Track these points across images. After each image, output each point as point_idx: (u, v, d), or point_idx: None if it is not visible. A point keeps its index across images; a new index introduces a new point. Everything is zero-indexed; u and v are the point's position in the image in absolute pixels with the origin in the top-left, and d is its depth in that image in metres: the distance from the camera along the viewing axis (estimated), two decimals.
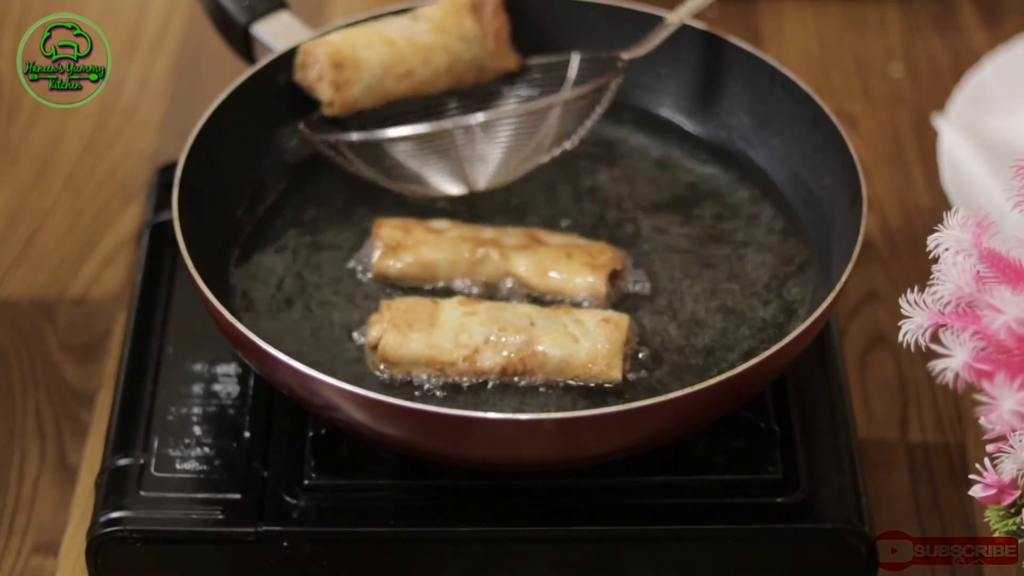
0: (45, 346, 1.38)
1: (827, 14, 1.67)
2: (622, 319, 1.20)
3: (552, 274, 1.24)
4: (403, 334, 1.18)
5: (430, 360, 1.18)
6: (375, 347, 1.19)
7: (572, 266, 1.25)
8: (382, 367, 1.19)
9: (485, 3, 1.33)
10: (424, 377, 1.19)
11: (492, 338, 1.18)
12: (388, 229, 1.26)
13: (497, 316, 1.19)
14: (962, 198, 1.41)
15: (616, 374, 1.18)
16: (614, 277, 1.25)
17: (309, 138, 1.29)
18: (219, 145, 1.27)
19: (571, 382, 1.19)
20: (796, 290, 1.26)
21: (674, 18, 1.31)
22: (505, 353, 1.18)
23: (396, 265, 1.25)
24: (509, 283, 1.25)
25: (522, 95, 1.34)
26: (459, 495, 1.17)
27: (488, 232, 1.27)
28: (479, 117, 1.24)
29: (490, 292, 1.25)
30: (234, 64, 1.36)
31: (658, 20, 1.31)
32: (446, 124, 1.24)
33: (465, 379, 1.18)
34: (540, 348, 1.18)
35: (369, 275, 1.25)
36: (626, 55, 1.30)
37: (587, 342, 1.18)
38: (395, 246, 1.25)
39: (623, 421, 1.09)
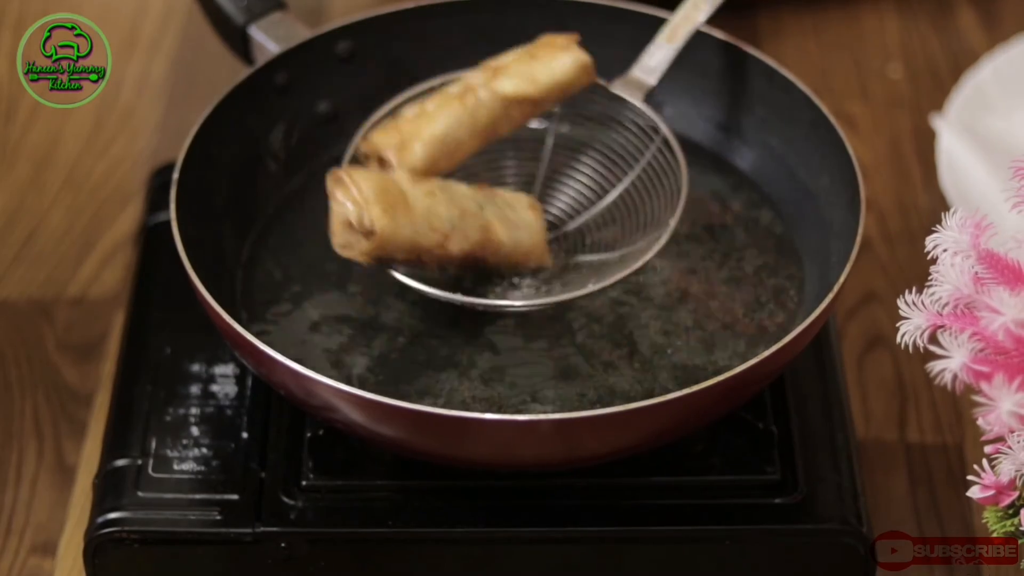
0: (43, 346, 1.38)
1: (825, 15, 1.67)
2: (535, 200, 1.23)
3: (539, 74, 1.24)
4: (392, 218, 1.16)
5: (413, 246, 1.17)
6: (369, 233, 1.16)
7: (546, 59, 1.24)
8: (365, 258, 1.17)
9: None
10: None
11: (457, 224, 1.18)
12: (378, 133, 1.22)
13: (452, 198, 1.19)
14: (960, 199, 1.41)
15: (548, 261, 1.22)
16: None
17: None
18: (217, 146, 1.27)
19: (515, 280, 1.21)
20: (794, 291, 1.26)
21: (674, 39, 1.28)
22: (469, 238, 1.18)
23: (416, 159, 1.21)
24: (514, 109, 1.24)
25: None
26: (457, 496, 1.17)
27: (454, 87, 1.24)
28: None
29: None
30: (232, 65, 1.36)
31: (658, 22, 1.31)
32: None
33: (435, 270, 1.19)
34: (495, 237, 1.19)
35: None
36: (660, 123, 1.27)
37: (525, 232, 1.20)
38: (400, 146, 1.21)
39: (622, 422, 1.09)
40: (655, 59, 1.28)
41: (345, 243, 1.18)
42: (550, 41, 1.26)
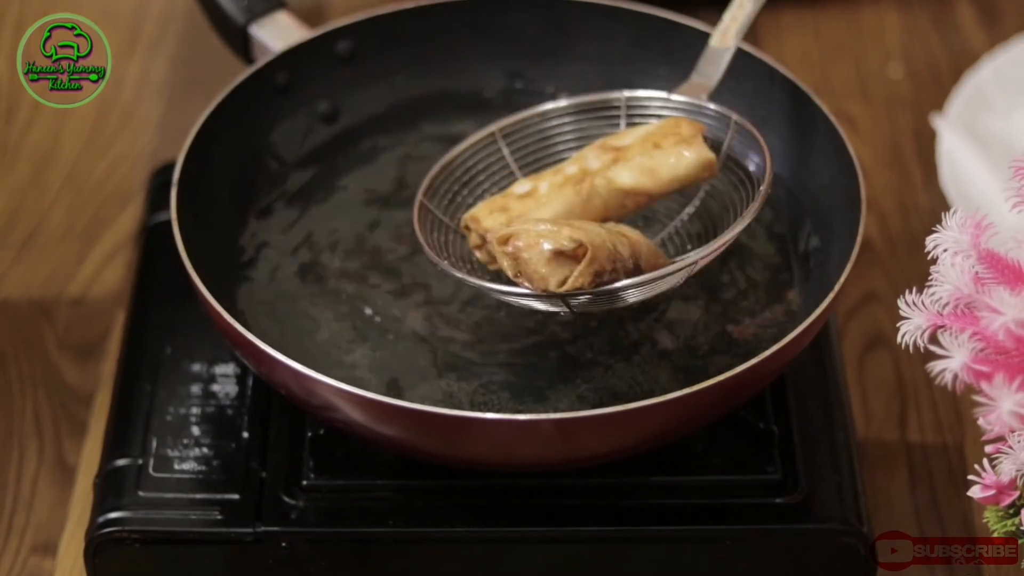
0: (43, 346, 1.38)
1: (826, 14, 1.67)
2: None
3: (661, 169, 1.20)
4: (580, 231, 1.12)
5: (608, 254, 1.12)
6: (579, 249, 1.11)
7: (669, 151, 1.21)
8: (587, 277, 1.11)
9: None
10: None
11: (611, 234, 1.15)
12: (486, 216, 1.18)
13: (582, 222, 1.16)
14: (961, 199, 1.41)
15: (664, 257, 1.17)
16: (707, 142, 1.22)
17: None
18: (217, 145, 1.27)
19: None
20: (795, 291, 1.26)
21: (726, 41, 1.26)
22: (623, 244, 1.14)
23: None
24: (629, 199, 1.21)
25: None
26: (458, 496, 1.17)
27: (571, 167, 1.21)
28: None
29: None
30: (233, 64, 1.36)
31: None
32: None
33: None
34: (632, 239, 1.16)
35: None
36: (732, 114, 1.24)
37: (639, 238, 1.16)
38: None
39: (622, 421, 1.09)
40: (711, 64, 1.26)
41: (561, 277, 1.12)
42: (675, 129, 1.22)
